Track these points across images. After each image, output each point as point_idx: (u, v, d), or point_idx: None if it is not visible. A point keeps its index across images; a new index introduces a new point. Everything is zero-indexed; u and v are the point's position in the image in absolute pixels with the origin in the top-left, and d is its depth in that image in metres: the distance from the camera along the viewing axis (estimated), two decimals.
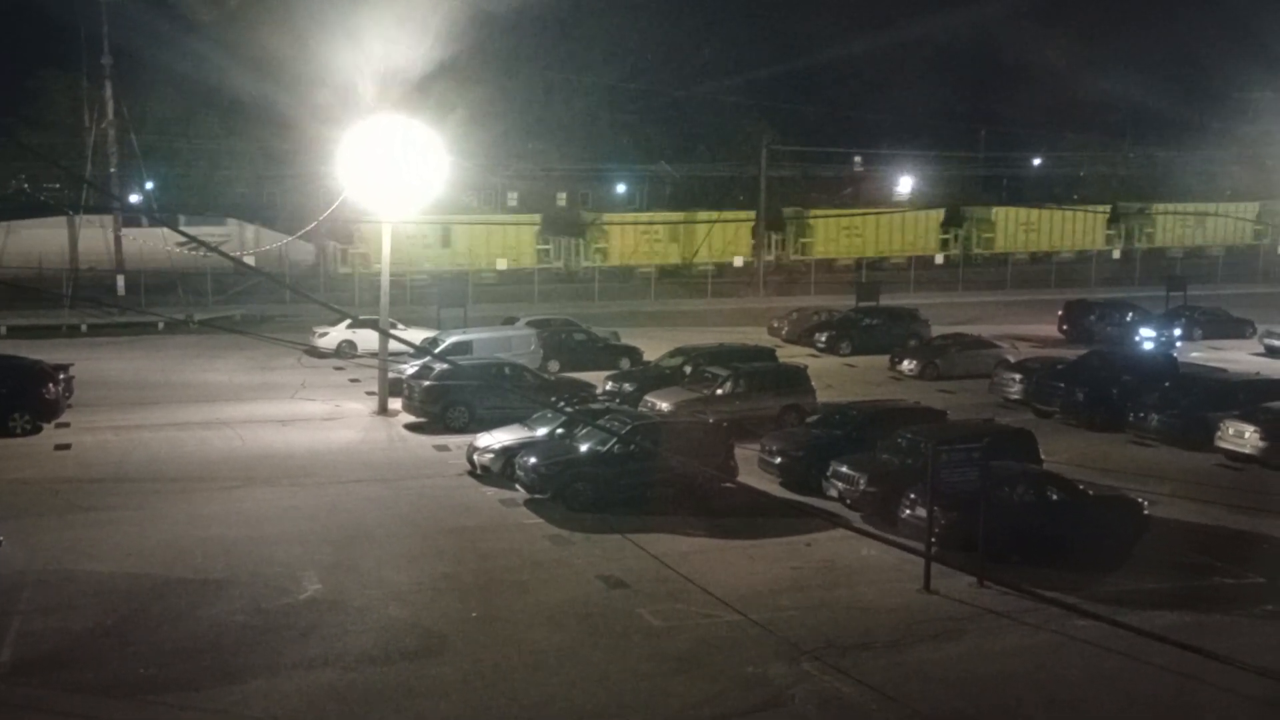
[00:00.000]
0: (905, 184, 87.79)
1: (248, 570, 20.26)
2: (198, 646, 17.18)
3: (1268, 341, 45.22)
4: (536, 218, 66.48)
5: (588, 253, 66.19)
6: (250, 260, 51.71)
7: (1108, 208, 78.87)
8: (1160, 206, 79.44)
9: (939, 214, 75.10)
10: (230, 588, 19.45)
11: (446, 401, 30.86)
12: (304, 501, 24.54)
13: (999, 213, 76.17)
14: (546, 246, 65.81)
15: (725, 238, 67.32)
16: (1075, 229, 76.57)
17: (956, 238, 75.03)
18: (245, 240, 64.31)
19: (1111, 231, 78.19)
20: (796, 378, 32.69)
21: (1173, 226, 78.84)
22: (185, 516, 23.28)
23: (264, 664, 16.65)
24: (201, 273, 52.10)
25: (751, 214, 66.04)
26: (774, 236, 69.16)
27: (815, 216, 71.12)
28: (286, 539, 22.00)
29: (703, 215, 68.89)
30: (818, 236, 70.63)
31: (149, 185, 62.49)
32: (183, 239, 46.52)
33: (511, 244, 63.25)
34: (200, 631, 17.74)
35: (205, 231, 60.14)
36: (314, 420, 31.96)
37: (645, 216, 71.13)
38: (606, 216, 69.27)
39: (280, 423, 31.43)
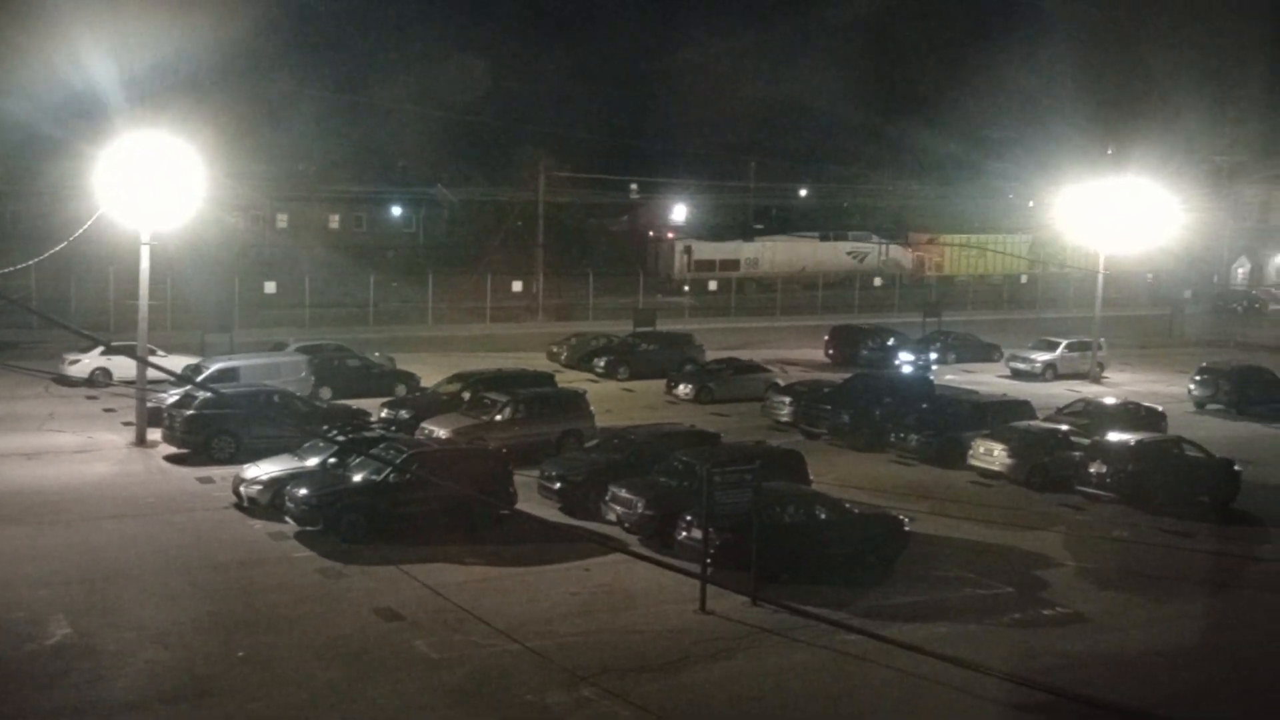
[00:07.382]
0: (680, 212, 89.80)
1: None
2: None
3: (1014, 364, 48.40)
4: (1026, 237, 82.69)
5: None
6: None
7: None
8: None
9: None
10: None
11: (210, 431, 29.49)
12: (52, 540, 22.94)
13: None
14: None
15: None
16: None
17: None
18: (880, 253, 76.75)
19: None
20: (575, 403, 32.82)
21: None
22: None
23: (6, 717, 15.45)
24: None
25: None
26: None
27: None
28: (31, 581, 20.50)
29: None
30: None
31: None
32: None
33: (1007, 259, 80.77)
34: None
35: (863, 248, 76.81)
36: (64, 453, 29.98)
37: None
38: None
39: (25, 456, 29.34)
